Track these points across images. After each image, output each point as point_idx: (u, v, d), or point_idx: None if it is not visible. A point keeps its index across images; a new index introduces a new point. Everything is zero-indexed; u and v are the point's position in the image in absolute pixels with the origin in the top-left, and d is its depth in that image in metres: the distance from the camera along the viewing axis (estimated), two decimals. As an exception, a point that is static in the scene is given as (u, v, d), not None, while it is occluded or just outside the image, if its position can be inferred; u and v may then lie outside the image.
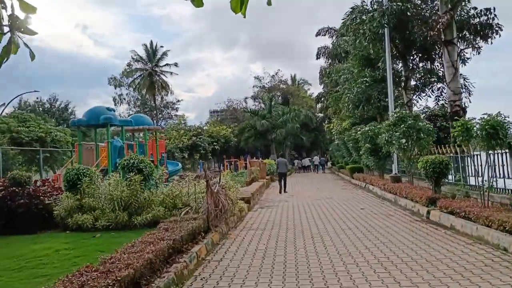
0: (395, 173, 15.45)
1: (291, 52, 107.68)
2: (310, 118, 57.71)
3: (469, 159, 10.22)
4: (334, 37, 38.52)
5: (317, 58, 39.15)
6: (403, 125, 12.21)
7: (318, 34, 39.24)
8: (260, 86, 53.48)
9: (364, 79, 20.43)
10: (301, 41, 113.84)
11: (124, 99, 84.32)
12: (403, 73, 18.78)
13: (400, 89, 19.26)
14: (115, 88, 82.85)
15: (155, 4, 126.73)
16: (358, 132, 18.39)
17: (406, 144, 12.08)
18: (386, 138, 12.97)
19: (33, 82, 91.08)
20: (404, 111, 13.39)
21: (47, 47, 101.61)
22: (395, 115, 12.74)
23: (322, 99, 52.59)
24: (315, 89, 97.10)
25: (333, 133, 26.67)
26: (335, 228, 8.72)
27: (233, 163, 41.16)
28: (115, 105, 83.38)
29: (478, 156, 9.15)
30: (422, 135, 12.10)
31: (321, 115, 63.80)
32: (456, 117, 13.25)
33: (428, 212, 9.29)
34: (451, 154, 11.44)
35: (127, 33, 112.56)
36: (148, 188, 9.89)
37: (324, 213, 11.13)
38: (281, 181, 19.09)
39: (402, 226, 8.54)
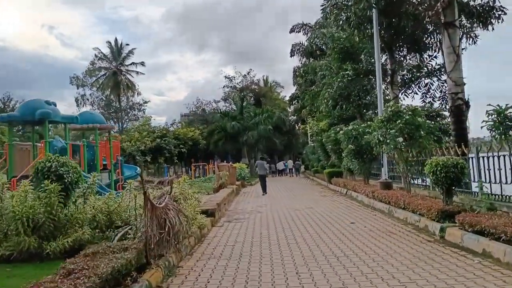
0: (385, 179, 13.48)
1: (262, 56, 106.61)
2: (283, 120, 55.84)
3: (488, 160, 8.27)
4: (309, 34, 36.82)
5: (291, 56, 37.29)
6: (399, 121, 10.20)
7: (292, 30, 37.44)
8: (231, 87, 51.23)
9: (346, 72, 18.48)
10: (272, 45, 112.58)
11: (88, 99, 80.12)
12: (388, 66, 16.96)
13: (385, 84, 17.43)
14: (77, 88, 78.57)
15: (123, 5, 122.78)
16: (340, 132, 16.39)
17: (404, 143, 10.06)
18: (379, 137, 10.93)
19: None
20: (399, 105, 11.40)
21: (11, 47, 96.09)
22: (389, 109, 10.73)
23: (296, 100, 50.97)
24: (288, 92, 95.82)
25: (309, 134, 24.58)
26: (326, 254, 6.52)
27: (201, 167, 38.62)
28: (77, 106, 79.09)
29: (507, 157, 7.20)
30: (422, 132, 10.13)
31: (294, 117, 62.25)
32: (458, 113, 11.45)
33: (443, 230, 7.24)
34: (453, 156, 9.51)
35: (95, 34, 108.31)
36: (73, 201, 7.36)
37: (307, 230, 8.93)
38: (262, 183, 20.25)
39: (414, 251, 6.43)
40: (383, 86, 18.25)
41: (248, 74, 53.85)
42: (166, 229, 6.10)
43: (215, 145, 41.88)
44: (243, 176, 28.61)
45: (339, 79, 18.72)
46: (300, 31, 36.68)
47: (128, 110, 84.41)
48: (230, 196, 16.60)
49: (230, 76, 52.14)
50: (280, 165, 52.87)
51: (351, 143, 15.52)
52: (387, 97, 21.63)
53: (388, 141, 10.52)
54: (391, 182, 13.30)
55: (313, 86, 30.26)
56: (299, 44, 36.92)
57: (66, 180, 6.95)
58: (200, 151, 42.96)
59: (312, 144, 36.54)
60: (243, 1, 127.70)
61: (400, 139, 10.05)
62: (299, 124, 58.76)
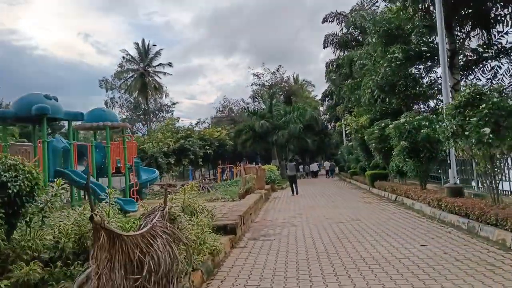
0: (455, 183, 10.71)
1: (291, 58, 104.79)
2: (316, 119, 53.08)
3: None
4: (343, 23, 34.04)
5: (324, 47, 34.68)
6: (484, 106, 7.51)
7: (325, 20, 34.79)
8: (259, 84, 49.00)
9: (394, 55, 15.69)
10: (301, 46, 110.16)
11: (117, 102, 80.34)
12: (447, 46, 14.10)
13: (442, 69, 14.53)
14: (106, 91, 78.84)
15: (156, 11, 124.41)
16: (390, 127, 13.69)
17: (491, 135, 7.37)
18: (453, 128, 8.26)
19: (34, 90, 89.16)
20: (480, 86, 8.66)
21: (50, 55, 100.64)
22: (467, 91, 8.04)
23: (329, 97, 48.05)
24: (318, 92, 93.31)
25: (345, 132, 21.89)
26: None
27: (228, 169, 36.51)
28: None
29: None
30: (513, 120, 7.42)
31: (326, 116, 59.27)
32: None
33: None
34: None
35: (130, 41, 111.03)
36: (26, 221, 5.18)
37: (361, 257, 6.45)
38: (292, 184, 21.13)
39: None
40: (439, 71, 15.42)
41: (277, 71, 51.58)
42: (146, 270, 3.79)
43: (243, 146, 39.66)
44: (273, 179, 26.23)
45: (385, 64, 15.96)
46: (333, 21, 34.00)
47: (157, 112, 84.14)
48: (257, 203, 14.24)
49: (258, 74, 50.01)
50: (314, 167, 50.21)
51: (404, 139, 12.81)
52: (436, 87, 18.74)
53: (467, 133, 7.84)
54: (461, 187, 10.54)
55: (349, 80, 27.52)
56: (333, 34, 34.22)
57: (11, 190, 4.77)
58: (228, 153, 40.92)
59: (349, 143, 33.67)
60: (271, 2, 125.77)
61: (487, 130, 7.36)
62: (332, 123, 55.80)
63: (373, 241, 7.70)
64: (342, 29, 34.07)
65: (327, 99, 49.57)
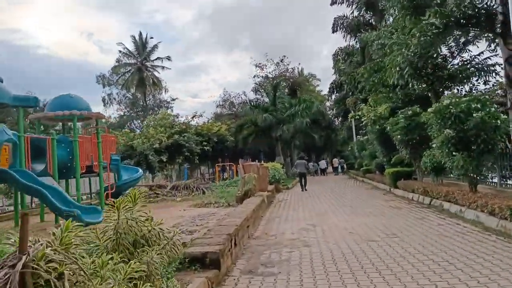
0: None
1: (294, 55, 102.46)
2: (322, 113, 50.15)
3: None
4: (353, 6, 31.07)
5: (333, 31, 31.82)
6: None
7: (333, 2, 31.81)
8: (262, 76, 46.03)
9: (430, 21, 12.62)
10: (304, 42, 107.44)
11: (115, 99, 77.93)
12: (499, 9, 11.16)
13: (489, 38, 11.67)
14: (103, 87, 76.31)
15: (158, 10, 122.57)
16: (428, 110, 10.78)
17: None
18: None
19: (38, 89, 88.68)
20: None
21: (54, 54, 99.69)
22: None
23: (338, 88, 45.03)
24: (323, 87, 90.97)
25: (363, 123, 18.97)
26: None
27: (228, 167, 33.67)
28: (104, 106, 77.14)
29: None
30: None
31: (333, 111, 56.34)
32: None
33: None
34: None
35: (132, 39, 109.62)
36: None
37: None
38: (301, 180, 22.15)
39: None
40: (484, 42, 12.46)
41: (281, 61, 48.53)
42: None
43: (244, 142, 36.76)
44: (278, 178, 23.35)
45: (419, 33, 12.94)
46: (343, 2, 31.03)
47: (156, 109, 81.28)
48: (258, 210, 11.39)
49: (261, 65, 47.02)
50: (323, 164, 47.41)
51: (449, 126, 9.90)
52: (478, 62, 15.80)
53: None
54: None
55: (366, 64, 24.62)
56: (343, 17, 31.29)
57: None
58: (228, 149, 37.99)
59: (362, 138, 30.72)
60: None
61: None
62: (340, 118, 52.79)
63: (434, 278, 4.82)
64: (353, 11, 31.17)
65: (335, 92, 46.60)
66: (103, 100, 74.80)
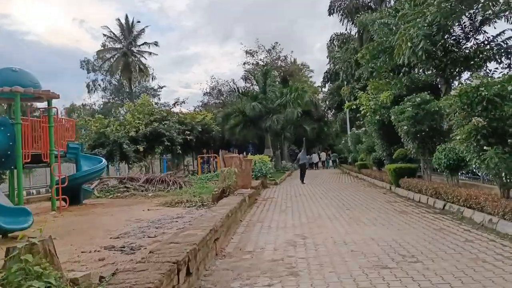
0: None
1: (288, 47, 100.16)
2: (315, 104, 48.02)
3: None
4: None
5: (329, 14, 29.65)
6: None
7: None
8: (253, 63, 43.69)
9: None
10: (299, 35, 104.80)
11: (100, 85, 75.22)
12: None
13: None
14: (88, 73, 73.33)
15: None
16: (451, 94, 8.66)
17: None
18: None
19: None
20: None
21: (44, 42, 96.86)
22: None
23: (330, 81, 42.91)
24: (317, 79, 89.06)
25: (361, 113, 16.88)
26: None
27: (212, 159, 31.42)
28: (88, 92, 74.37)
29: None
30: None
31: (326, 103, 54.30)
32: None
33: None
34: None
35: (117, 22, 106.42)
36: None
37: None
38: (301, 172, 22.55)
39: None
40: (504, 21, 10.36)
41: (273, 49, 46.26)
42: None
43: (231, 132, 34.52)
44: (265, 172, 21.21)
45: (436, 2, 10.76)
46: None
47: (142, 96, 78.26)
48: (235, 213, 9.23)
49: (251, 51, 44.66)
50: (315, 157, 45.56)
51: (479, 113, 7.80)
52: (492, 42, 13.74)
53: None
54: None
55: (358, 54, 22.51)
56: (340, -2, 29.05)
57: None
58: (214, 140, 35.72)
59: (357, 131, 28.67)
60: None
61: None
62: (333, 110, 50.72)
63: None
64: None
65: (329, 82, 44.42)
66: (88, 86, 72.02)
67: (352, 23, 29.16)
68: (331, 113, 55.11)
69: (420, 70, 15.17)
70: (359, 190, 17.39)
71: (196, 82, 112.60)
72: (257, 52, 44.79)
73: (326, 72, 40.65)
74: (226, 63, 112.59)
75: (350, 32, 31.22)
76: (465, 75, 15.00)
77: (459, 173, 11.72)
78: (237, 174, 14.10)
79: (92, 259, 5.47)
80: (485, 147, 7.64)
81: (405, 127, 12.77)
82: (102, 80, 72.99)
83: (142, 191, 18.04)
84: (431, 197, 11.62)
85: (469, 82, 8.98)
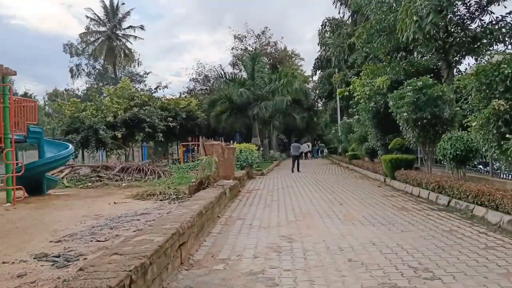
0: None
1: (279, 37, 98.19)
2: (305, 92, 46.64)
3: None
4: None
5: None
6: None
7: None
8: (241, 49, 42.07)
9: None
10: (289, 25, 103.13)
11: (83, 70, 72.82)
12: None
13: None
14: (71, 57, 70.75)
15: None
16: (467, 72, 7.44)
17: None
18: None
19: (16, 63, 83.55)
20: None
21: (31, 27, 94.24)
22: None
23: (321, 69, 41.60)
24: (307, 68, 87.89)
25: (356, 98, 15.65)
26: None
27: (196, 147, 29.98)
28: (71, 77, 71.87)
29: None
30: None
31: (315, 93, 53.10)
32: None
33: None
34: None
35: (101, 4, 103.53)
36: None
37: None
38: (295, 162, 23.03)
39: None
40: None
41: (263, 34, 44.66)
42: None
43: (218, 120, 33.07)
44: (251, 162, 19.94)
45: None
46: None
47: (132, 84, 76.21)
48: (212, 209, 7.92)
49: (240, 36, 43.02)
50: (305, 147, 44.42)
51: (500, 95, 6.58)
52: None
53: None
54: None
55: (352, 38, 21.21)
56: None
57: None
58: (200, 128, 34.27)
59: (349, 120, 27.51)
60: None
61: None
62: (323, 99, 49.49)
63: None
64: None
65: (320, 70, 43.08)
66: (71, 70, 69.68)
67: (346, 6, 27.79)
68: (321, 103, 54.02)
69: (419, 54, 13.95)
70: (351, 182, 16.22)
71: (185, 71, 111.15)
72: (246, 37, 43.23)
73: (317, 58, 39.29)
74: (216, 52, 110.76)
75: (343, 16, 29.90)
76: (467, 60, 13.79)
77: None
78: (219, 163, 12.79)
79: (10, 274, 4.14)
80: (507, 135, 6.43)
81: (405, 114, 11.56)
82: (86, 64, 70.71)
83: (117, 180, 16.66)
84: (432, 191, 10.46)
85: (475, 65, 7.77)
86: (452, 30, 12.89)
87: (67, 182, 16.04)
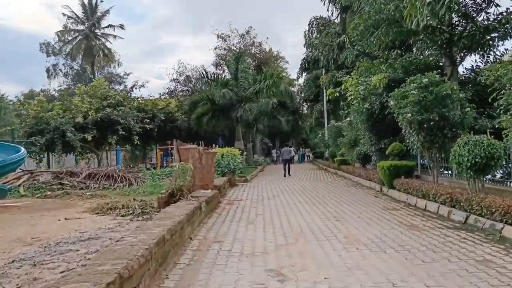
0: None
1: (264, 38, 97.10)
2: (291, 95, 45.21)
3: None
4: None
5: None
6: None
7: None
8: (224, 48, 40.45)
9: None
10: (274, 29, 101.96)
11: (61, 70, 70.03)
12: None
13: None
14: (47, 56, 67.94)
15: None
16: (504, 59, 5.96)
17: None
18: None
19: None
20: None
21: (12, 26, 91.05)
22: None
23: (307, 71, 40.28)
24: (292, 72, 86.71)
25: (349, 98, 14.21)
26: None
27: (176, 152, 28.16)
28: (48, 77, 68.92)
29: None
30: None
31: (301, 96, 51.90)
32: None
33: None
34: None
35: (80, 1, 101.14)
36: None
37: None
38: (286, 166, 23.65)
39: None
40: None
41: (247, 33, 43.14)
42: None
43: (199, 122, 31.30)
44: (233, 167, 18.31)
45: None
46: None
47: (106, 83, 73.70)
48: (182, 230, 6.28)
49: (223, 35, 41.40)
50: (292, 152, 42.90)
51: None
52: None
53: None
54: None
55: (346, 32, 19.88)
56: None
57: None
58: (180, 131, 32.44)
59: (337, 123, 26.14)
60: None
61: None
62: (309, 102, 48.17)
63: None
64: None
65: (306, 71, 41.71)
66: (47, 71, 66.91)
67: (334, 4, 26.48)
68: (306, 106, 52.81)
69: (418, 50, 12.65)
70: (343, 191, 14.74)
71: (166, 71, 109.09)
72: (229, 37, 41.64)
73: (304, 59, 37.95)
74: (200, 55, 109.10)
75: (332, 14, 28.62)
76: (471, 58, 12.50)
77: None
78: (196, 170, 11.13)
79: None
80: None
81: (409, 115, 10.12)
82: (63, 65, 68.07)
83: (81, 188, 14.80)
84: (443, 205, 9.03)
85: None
86: (457, 22, 11.61)
87: (24, 190, 14.11)
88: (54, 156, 21.32)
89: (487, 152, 7.79)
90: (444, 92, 9.88)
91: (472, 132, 9.48)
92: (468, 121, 10.07)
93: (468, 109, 9.96)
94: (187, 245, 6.52)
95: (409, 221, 8.39)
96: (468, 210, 7.93)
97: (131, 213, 8.59)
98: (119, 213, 8.68)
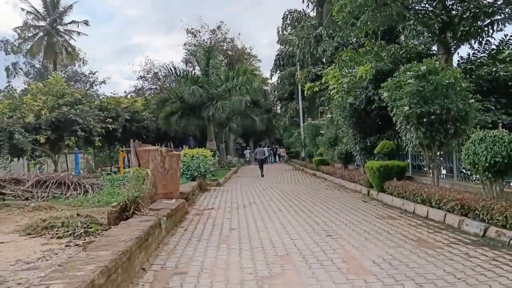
0: None
1: (236, 34, 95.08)
2: (264, 93, 43.75)
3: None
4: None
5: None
6: None
7: None
8: (194, 44, 38.50)
9: None
10: (247, 29, 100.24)
11: (21, 69, 66.11)
12: None
13: None
14: (6, 55, 63.92)
15: None
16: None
17: None
18: None
19: None
20: None
21: None
22: None
23: (281, 69, 38.91)
24: (264, 71, 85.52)
25: (331, 92, 12.75)
26: None
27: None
28: (7, 77, 64.83)
29: None
30: None
31: (275, 94, 50.55)
32: None
33: None
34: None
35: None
36: None
37: None
38: (260, 167, 23.89)
39: None
40: None
41: (218, 29, 41.34)
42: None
43: (167, 122, 29.28)
44: (204, 170, 16.56)
45: None
46: None
47: (71, 83, 70.45)
48: (130, 261, 4.56)
49: (193, 30, 39.46)
50: (262, 152, 41.31)
51: None
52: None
53: None
54: None
55: (319, 29, 18.49)
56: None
57: None
58: (148, 131, 30.37)
59: (314, 121, 24.80)
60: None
61: None
62: (283, 101, 46.82)
63: None
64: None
65: (280, 69, 40.31)
66: (7, 70, 62.97)
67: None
68: (280, 105, 51.54)
69: (407, 38, 11.38)
70: (326, 195, 13.28)
71: (132, 68, 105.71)
72: (200, 32, 39.73)
73: (278, 55, 36.53)
74: (170, 55, 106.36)
75: (308, 6, 27.20)
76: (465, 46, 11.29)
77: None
78: (158, 176, 9.41)
79: None
80: None
81: (406, 108, 8.71)
82: (24, 63, 64.29)
83: (27, 198, 12.80)
84: (450, 212, 7.66)
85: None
86: (452, 4, 10.37)
87: None
88: (2, 161, 19.00)
89: (509, 150, 6.45)
90: (447, 81, 8.54)
91: (478, 127, 8.18)
92: (472, 114, 8.77)
93: (472, 100, 8.66)
94: (138, 281, 4.83)
95: (414, 234, 6.96)
96: (487, 221, 6.57)
97: (70, 234, 6.79)
98: (56, 234, 6.86)
